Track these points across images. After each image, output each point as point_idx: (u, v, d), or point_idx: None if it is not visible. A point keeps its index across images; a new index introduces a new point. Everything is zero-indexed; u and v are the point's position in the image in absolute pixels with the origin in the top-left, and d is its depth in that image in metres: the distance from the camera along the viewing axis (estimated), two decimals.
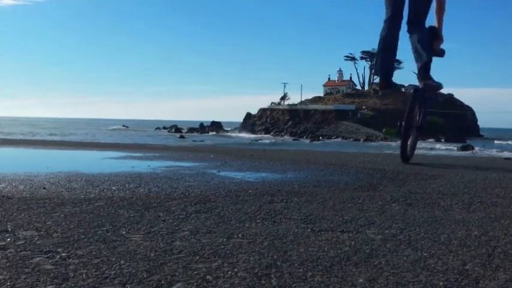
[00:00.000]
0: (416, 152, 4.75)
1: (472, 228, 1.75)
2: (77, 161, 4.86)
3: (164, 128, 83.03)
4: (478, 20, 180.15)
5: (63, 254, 1.35)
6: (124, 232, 1.61)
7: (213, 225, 1.73)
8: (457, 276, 1.23)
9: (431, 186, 2.83)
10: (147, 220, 1.80)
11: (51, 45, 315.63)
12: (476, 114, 75.96)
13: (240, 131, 76.45)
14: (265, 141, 51.47)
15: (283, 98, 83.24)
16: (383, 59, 4.44)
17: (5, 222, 1.73)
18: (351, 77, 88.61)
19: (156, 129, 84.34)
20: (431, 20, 4.38)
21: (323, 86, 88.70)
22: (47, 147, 6.52)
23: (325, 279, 1.19)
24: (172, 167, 3.76)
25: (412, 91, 4.41)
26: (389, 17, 4.27)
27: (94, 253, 1.37)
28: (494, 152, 28.35)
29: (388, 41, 4.32)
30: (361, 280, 1.19)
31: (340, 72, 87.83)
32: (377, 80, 4.63)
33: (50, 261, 1.29)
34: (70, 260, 1.30)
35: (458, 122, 68.17)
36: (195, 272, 1.22)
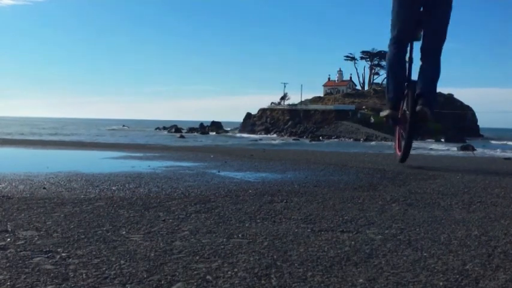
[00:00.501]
0: (416, 152, 4.76)
1: (472, 228, 1.75)
2: (77, 161, 4.86)
3: (164, 128, 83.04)
4: (478, 20, 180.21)
5: (63, 254, 1.35)
6: (124, 232, 1.61)
7: (213, 225, 1.73)
8: (457, 276, 1.23)
9: (431, 186, 2.83)
10: (147, 220, 1.80)
11: (51, 45, 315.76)
12: (476, 114, 76.03)
13: (240, 131, 76.49)
14: (274, 141, 51.42)
15: (283, 98, 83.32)
16: (392, 87, 3.93)
17: (5, 222, 1.73)
18: (351, 77, 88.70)
19: (156, 129, 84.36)
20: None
21: (323, 86, 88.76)
22: (47, 147, 6.52)
23: (325, 279, 1.19)
24: (172, 167, 3.76)
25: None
26: (396, 36, 3.89)
27: (94, 253, 1.37)
28: (494, 152, 28.36)
29: (395, 67, 3.91)
30: (361, 280, 1.19)
31: (340, 72, 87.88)
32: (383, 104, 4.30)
33: (50, 261, 1.29)
34: (70, 260, 1.30)
35: (458, 122, 68.23)
36: (195, 272, 1.22)
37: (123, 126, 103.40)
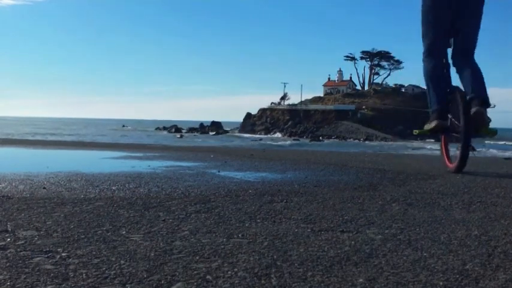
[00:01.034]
0: (416, 152, 4.73)
1: (472, 228, 1.75)
2: (77, 161, 4.86)
3: (164, 128, 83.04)
4: None
5: (63, 254, 1.35)
6: (124, 232, 1.61)
7: (213, 225, 1.73)
8: (457, 276, 1.23)
9: (431, 186, 2.83)
10: (147, 220, 1.80)
11: (51, 45, 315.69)
12: None
13: (240, 131, 76.49)
14: (274, 141, 51.24)
15: (283, 98, 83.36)
16: (436, 98, 3.72)
17: (5, 222, 1.73)
18: (351, 77, 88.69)
19: (156, 129, 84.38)
20: None
21: (323, 86, 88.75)
22: (47, 147, 6.52)
23: (325, 279, 1.19)
24: (172, 167, 3.76)
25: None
26: (429, 47, 3.78)
27: (94, 253, 1.37)
28: (494, 152, 28.35)
29: (435, 78, 3.76)
30: (361, 280, 1.19)
31: (340, 72, 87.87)
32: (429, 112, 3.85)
33: (50, 261, 1.29)
34: (70, 260, 1.30)
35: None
36: (195, 272, 1.22)
37: (123, 126, 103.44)
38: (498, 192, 2.61)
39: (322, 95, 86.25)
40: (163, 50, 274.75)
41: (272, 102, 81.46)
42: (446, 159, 3.90)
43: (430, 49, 3.79)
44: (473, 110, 3.42)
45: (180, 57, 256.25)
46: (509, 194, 2.58)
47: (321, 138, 61.03)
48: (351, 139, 59.94)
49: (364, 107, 71.34)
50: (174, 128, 78.52)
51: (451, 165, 3.70)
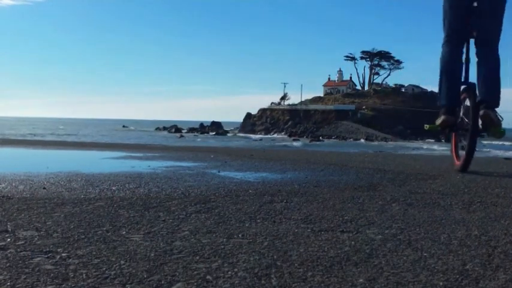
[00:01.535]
0: (416, 152, 4.72)
1: (472, 228, 1.75)
2: (77, 161, 4.86)
3: (164, 128, 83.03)
4: None
5: (63, 254, 1.35)
6: (124, 232, 1.61)
7: (213, 225, 1.73)
8: (457, 276, 1.23)
9: (431, 186, 2.83)
10: (147, 220, 1.80)
11: (51, 45, 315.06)
12: None
13: (240, 131, 76.51)
14: (274, 141, 51.19)
15: (283, 98, 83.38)
16: (446, 89, 3.58)
17: (5, 222, 1.73)
18: (351, 77, 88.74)
19: (156, 129, 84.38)
20: None
21: (323, 86, 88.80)
22: (47, 147, 6.52)
23: (325, 279, 1.19)
24: (172, 167, 3.76)
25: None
26: (449, 33, 3.61)
27: (94, 253, 1.37)
28: (494, 152, 28.33)
29: (449, 66, 3.60)
30: (361, 280, 1.19)
31: (340, 72, 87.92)
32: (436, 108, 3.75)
33: (50, 261, 1.29)
34: (70, 260, 1.30)
35: None
36: (195, 272, 1.22)
37: (123, 126, 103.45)
38: (498, 192, 2.61)
39: (322, 95, 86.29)
40: (163, 50, 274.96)
41: (272, 102, 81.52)
42: (454, 156, 3.90)
43: (449, 36, 3.63)
44: (481, 112, 3.35)
45: (180, 57, 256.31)
46: (509, 194, 2.58)
47: (321, 138, 61.04)
48: (351, 139, 59.95)
49: (364, 107, 71.35)
50: (174, 128, 78.53)
51: (457, 163, 3.72)
